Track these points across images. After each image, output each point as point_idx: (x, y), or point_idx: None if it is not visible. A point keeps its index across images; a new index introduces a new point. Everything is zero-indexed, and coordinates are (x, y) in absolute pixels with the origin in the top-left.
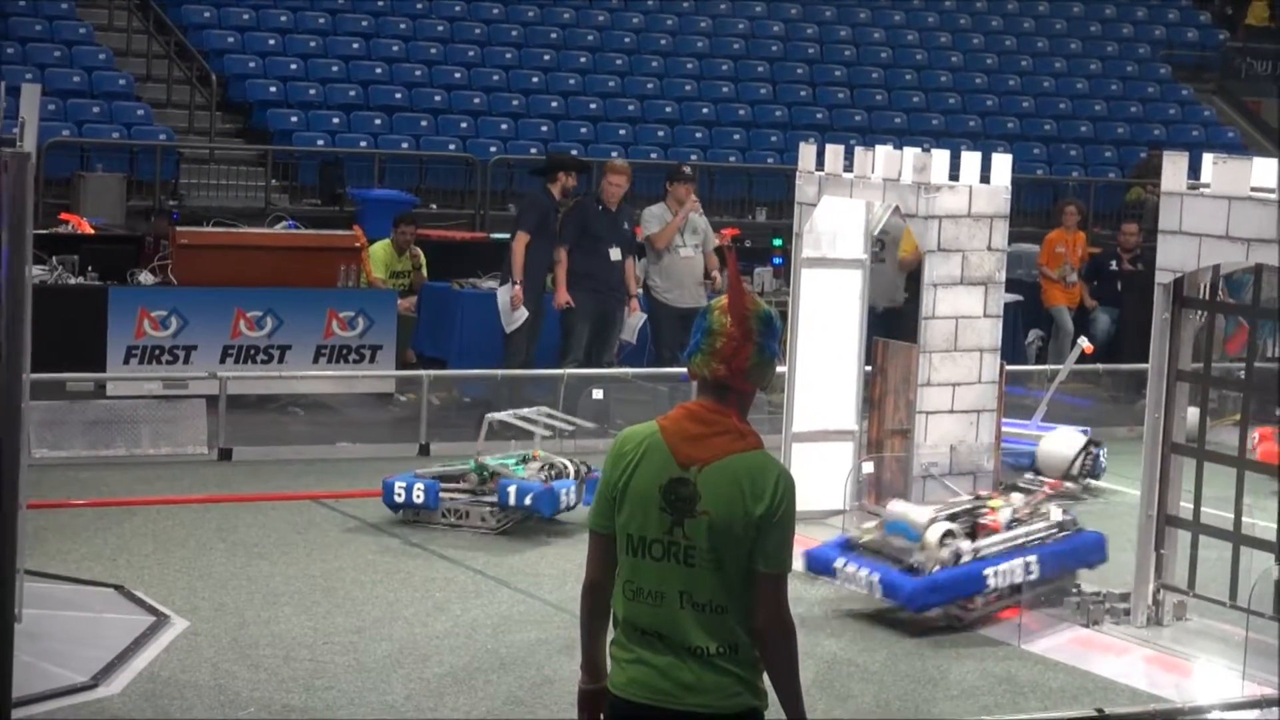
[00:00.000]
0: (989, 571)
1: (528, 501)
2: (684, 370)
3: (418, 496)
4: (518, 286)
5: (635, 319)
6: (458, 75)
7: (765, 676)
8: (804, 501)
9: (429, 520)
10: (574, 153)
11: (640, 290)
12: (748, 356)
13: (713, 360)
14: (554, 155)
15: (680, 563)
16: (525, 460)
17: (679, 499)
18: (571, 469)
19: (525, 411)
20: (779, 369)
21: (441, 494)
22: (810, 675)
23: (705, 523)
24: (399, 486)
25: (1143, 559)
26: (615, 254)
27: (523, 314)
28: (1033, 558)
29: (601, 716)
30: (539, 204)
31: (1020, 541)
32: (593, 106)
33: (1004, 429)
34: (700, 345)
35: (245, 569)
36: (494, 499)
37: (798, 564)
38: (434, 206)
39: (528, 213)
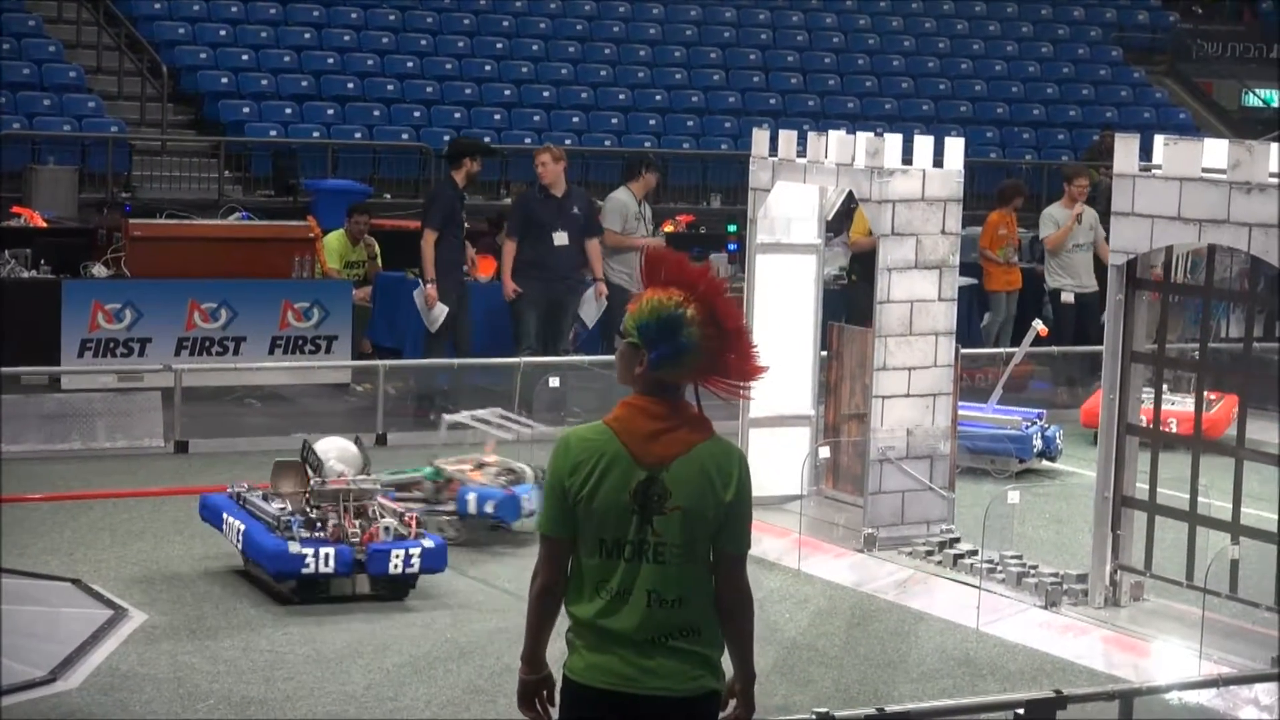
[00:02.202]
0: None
1: (489, 509)
2: None
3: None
4: (430, 285)
5: (595, 304)
6: (410, 65)
7: (723, 656)
8: (761, 487)
9: None
10: (527, 141)
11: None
12: (727, 364)
13: (691, 375)
14: (458, 140)
15: (650, 561)
16: (480, 466)
17: (648, 498)
18: (530, 473)
19: (481, 412)
20: None
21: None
22: (770, 661)
23: (679, 517)
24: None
25: (1099, 540)
26: (560, 239)
27: (441, 310)
28: None
29: (538, 701)
30: (442, 197)
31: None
32: (546, 94)
33: (960, 412)
34: (679, 361)
35: (203, 561)
36: (452, 508)
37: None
38: (388, 196)
39: (432, 209)
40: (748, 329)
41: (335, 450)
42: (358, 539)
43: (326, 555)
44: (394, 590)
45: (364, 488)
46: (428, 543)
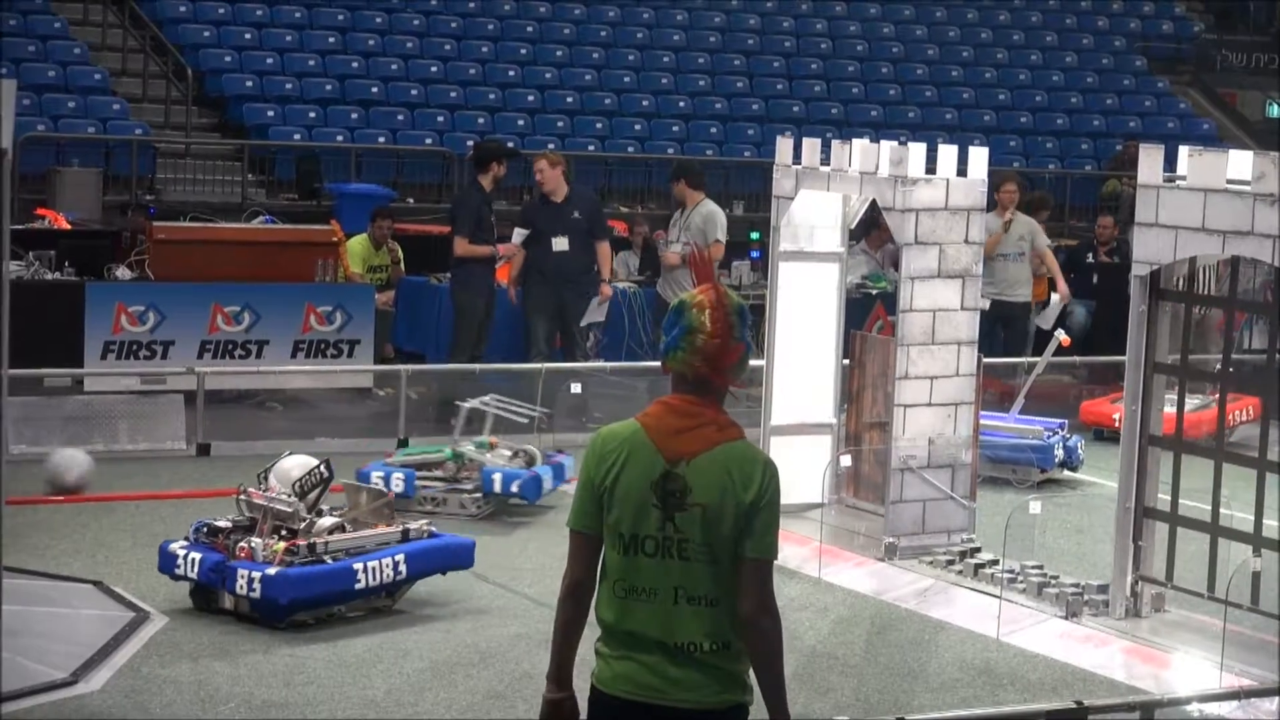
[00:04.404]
0: None
1: (514, 488)
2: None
3: (396, 485)
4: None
5: (595, 303)
6: (434, 69)
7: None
8: (782, 494)
9: (405, 509)
10: (550, 147)
11: (626, 284)
12: (733, 354)
13: (694, 359)
14: (484, 145)
15: (675, 558)
16: (484, 447)
17: (668, 493)
18: (539, 454)
19: (485, 399)
20: (757, 362)
21: (418, 482)
22: (789, 669)
23: (699, 514)
24: (375, 476)
25: (1121, 551)
26: (560, 244)
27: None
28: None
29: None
30: (469, 203)
31: None
32: (569, 100)
33: (982, 421)
34: (680, 343)
35: None
36: (471, 486)
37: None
38: (411, 201)
39: (461, 215)
40: (729, 317)
41: (297, 467)
42: (242, 554)
43: (193, 561)
44: (262, 612)
45: (279, 508)
46: (272, 570)
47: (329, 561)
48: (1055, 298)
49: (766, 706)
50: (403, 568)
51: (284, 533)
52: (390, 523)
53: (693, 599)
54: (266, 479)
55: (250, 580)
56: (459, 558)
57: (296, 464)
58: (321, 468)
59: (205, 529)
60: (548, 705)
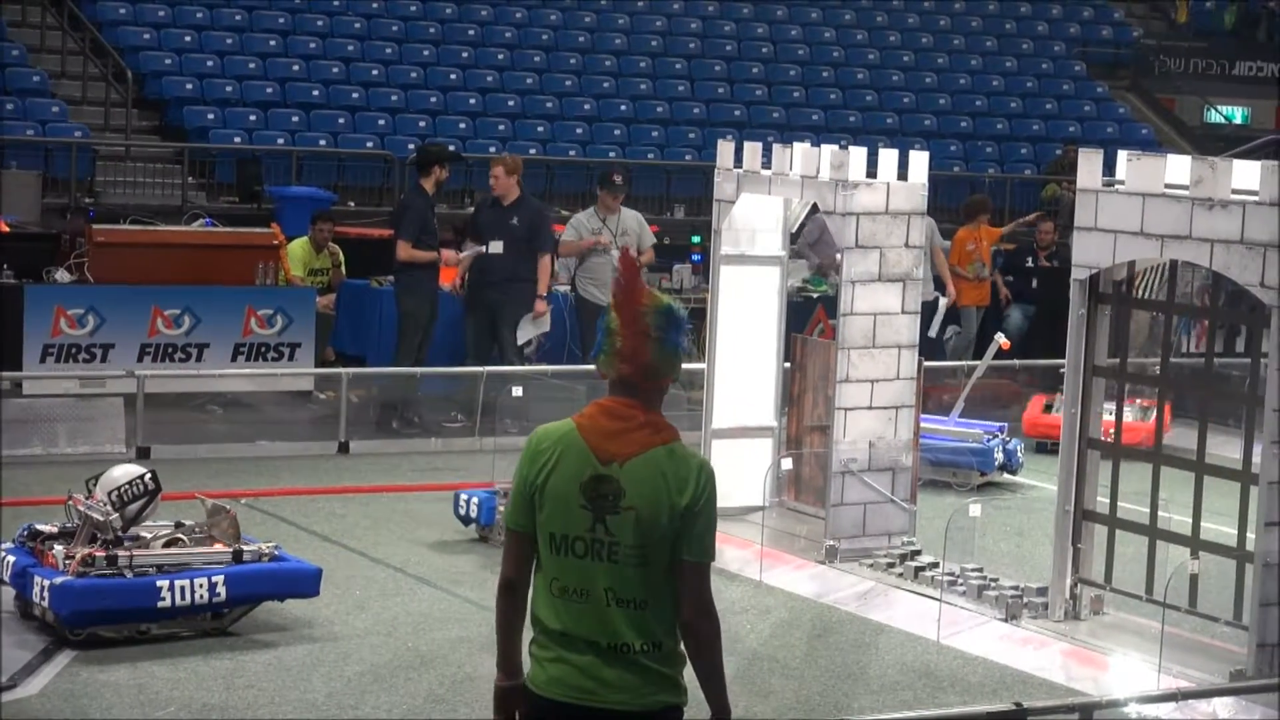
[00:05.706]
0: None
1: (471, 510)
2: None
3: (471, 510)
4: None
5: (529, 320)
6: (375, 73)
7: (685, 673)
8: (723, 498)
9: (491, 537)
10: (492, 150)
11: (567, 288)
12: (648, 354)
13: (615, 360)
14: (426, 148)
15: (605, 560)
16: None
17: (600, 496)
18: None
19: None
20: (698, 365)
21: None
22: (730, 671)
23: (632, 517)
24: (462, 499)
25: (1060, 553)
26: (495, 247)
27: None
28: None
29: (517, 715)
30: (414, 206)
31: None
32: (510, 104)
33: (922, 425)
34: (603, 346)
35: None
36: None
37: None
38: (352, 204)
39: (405, 219)
40: (641, 318)
41: (123, 476)
42: (49, 561)
43: (8, 564)
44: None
45: (94, 517)
46: (59, 580)
47: (128, 576)
48: (943, 300)
49: (707, 698)
50: (221, 590)
51: (103, 542)
52: (231, 542)
53: (623, 601)
54: (94, 486)
55: (42, 588)
56: (297, 585)
57: (122, 473)
58: (146, 478)
59: (28, 532)
60: (499, 692)
